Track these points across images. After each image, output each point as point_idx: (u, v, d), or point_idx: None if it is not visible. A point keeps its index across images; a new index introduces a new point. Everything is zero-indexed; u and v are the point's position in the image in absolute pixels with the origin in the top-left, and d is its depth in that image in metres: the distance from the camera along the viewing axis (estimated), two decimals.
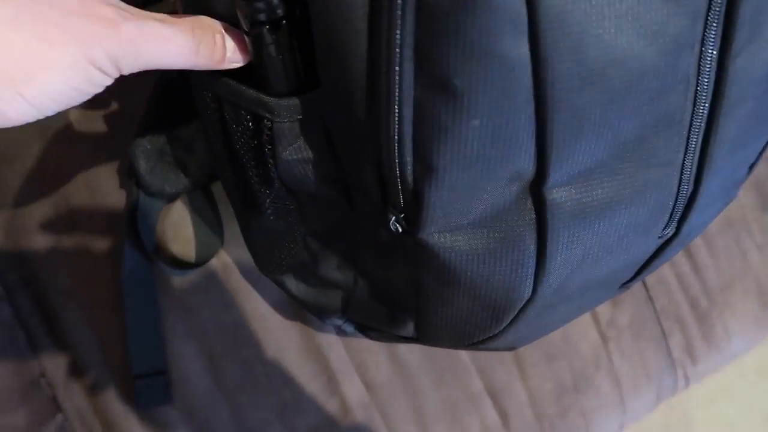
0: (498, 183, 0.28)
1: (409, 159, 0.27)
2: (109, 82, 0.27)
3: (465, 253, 0.31)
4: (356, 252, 0.38)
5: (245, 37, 0.29)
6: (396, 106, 0.25)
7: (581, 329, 0.57)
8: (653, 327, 0.60)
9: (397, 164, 0.27)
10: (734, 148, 0.32)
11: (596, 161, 0.28)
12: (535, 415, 0.56)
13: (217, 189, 0.50)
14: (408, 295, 0.36)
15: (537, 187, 0.29)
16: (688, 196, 0.32)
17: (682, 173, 0.31)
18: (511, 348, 0.41)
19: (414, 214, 0.29)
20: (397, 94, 0.25)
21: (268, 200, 0.37)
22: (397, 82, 0.25)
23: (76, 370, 0.48)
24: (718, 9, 0.26)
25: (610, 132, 0.27)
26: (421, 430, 0.53)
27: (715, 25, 0.27)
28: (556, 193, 0.29)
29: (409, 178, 0.28)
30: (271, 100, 0.30)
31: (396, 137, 0.26)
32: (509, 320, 0.34)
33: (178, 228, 0.49)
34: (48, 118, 0.26)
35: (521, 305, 0.33)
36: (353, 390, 0.52)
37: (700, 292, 0.61)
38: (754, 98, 0.30)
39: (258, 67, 0.30)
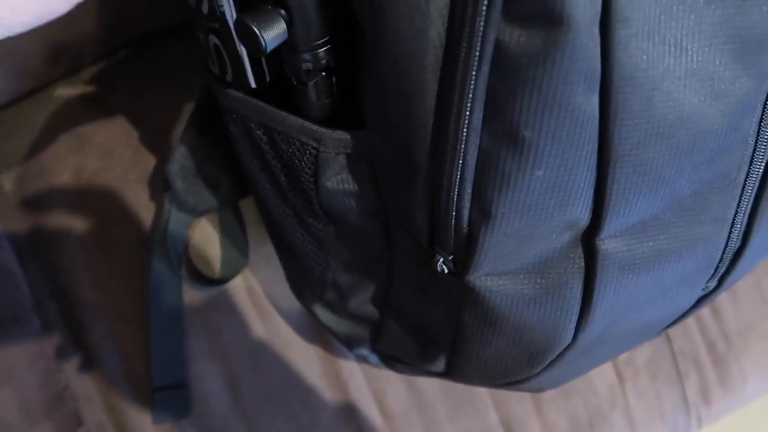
0: (552, 231, 0.28)
1: (467, 204, 0.27)
2: None
3: (510, 297, 0.31)
4: (389, 286, 0.38)
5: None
6: (461, 154, 0.25)
7: (599, 367, 0.57)
8: (670, 368, 0.59)
9: (454, 209, 0.27)
10: None
11: (651, 214, 0.28)
12: None
13: (245, 208, 0.50)
14: (443, 332, 0.36)
15: (590, 236, 0.29)
16: (734, 251, 0.32)
17: (732, 229, 0.31)
18: (538, 390, 0.40)
19: (464, 257, 0.29)
20: (464, 141, 0.25)
21: (300, 224, 0.37)
22: (465, 130, 0.25)
23: (99, 384, 0.47)
24: None
25: (669, 187, 0.27)
26: None
27: None
28: (608, 244, 0.29)
29: (465, 222, 0.28)
30: (321, 130, 0.30)
31: (457, 183, 0.26)
32: (546, 364, 0.34)
33: (204, 244, 0.49)
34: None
35: (560, 350, 0.33)
36: (370, 418, 0.51)
37: (718, 335, 0.61)
38: None
39: (304, 102, 0.30)
